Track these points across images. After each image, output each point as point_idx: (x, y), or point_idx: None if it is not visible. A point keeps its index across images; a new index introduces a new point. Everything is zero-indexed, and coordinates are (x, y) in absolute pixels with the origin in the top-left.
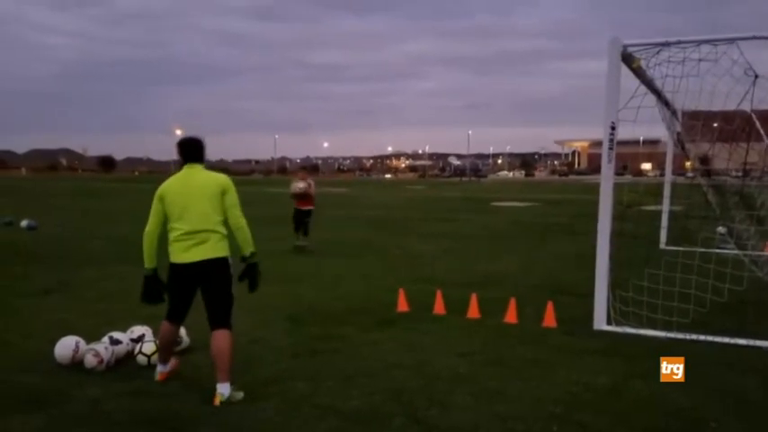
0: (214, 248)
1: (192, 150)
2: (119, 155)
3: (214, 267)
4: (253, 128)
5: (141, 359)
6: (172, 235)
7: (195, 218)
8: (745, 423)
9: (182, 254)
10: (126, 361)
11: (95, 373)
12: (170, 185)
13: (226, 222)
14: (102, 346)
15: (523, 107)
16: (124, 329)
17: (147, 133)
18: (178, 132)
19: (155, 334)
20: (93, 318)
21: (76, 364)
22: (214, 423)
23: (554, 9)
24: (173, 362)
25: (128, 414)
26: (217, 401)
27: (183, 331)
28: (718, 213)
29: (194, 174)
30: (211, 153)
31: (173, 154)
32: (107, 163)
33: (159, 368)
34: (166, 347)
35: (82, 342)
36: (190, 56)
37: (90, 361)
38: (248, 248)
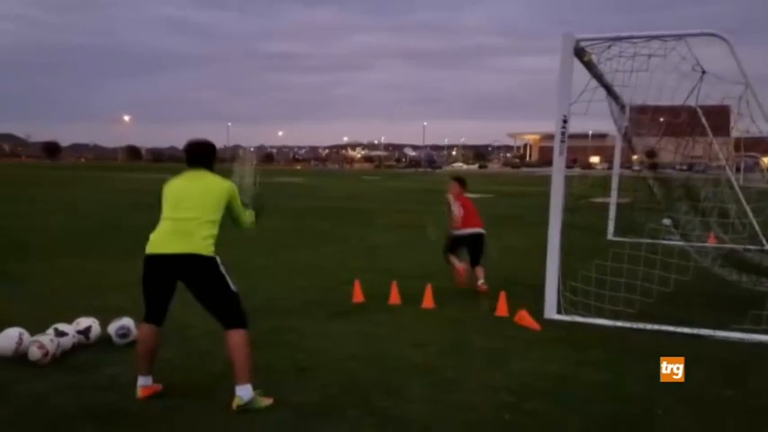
0: (199, 244)
1: (197, 154)
2: (64, 142)
3: (199, 265)
4: (206, 117)
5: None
6: (158, 226)
7: (186, 208)
8: (689, 410)
9: (159, 244)
10: (72, 354)
11: (40, 366)
12: (171, 182)
13: (219, 228)
14: (48, 338)
15: (477, 101)
16: (70, 321)
17: (95, 121)
18: (126, 118)
19: (102, 325)
20: (38, 309)
21: (20, 356)
22: (165, 419)
23: (499, 7)
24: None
25: (75, 409)
26: (234, 405)
27: (131, 323)
28: (663, 205)
29: (200, 175)
30: (164, 141)
31: (121, 141)
32: (52, 149)
33: (140, 381)
34: (146, 355)
35: (26, 334)
36: (139, 45)
37: (34, 353)
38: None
